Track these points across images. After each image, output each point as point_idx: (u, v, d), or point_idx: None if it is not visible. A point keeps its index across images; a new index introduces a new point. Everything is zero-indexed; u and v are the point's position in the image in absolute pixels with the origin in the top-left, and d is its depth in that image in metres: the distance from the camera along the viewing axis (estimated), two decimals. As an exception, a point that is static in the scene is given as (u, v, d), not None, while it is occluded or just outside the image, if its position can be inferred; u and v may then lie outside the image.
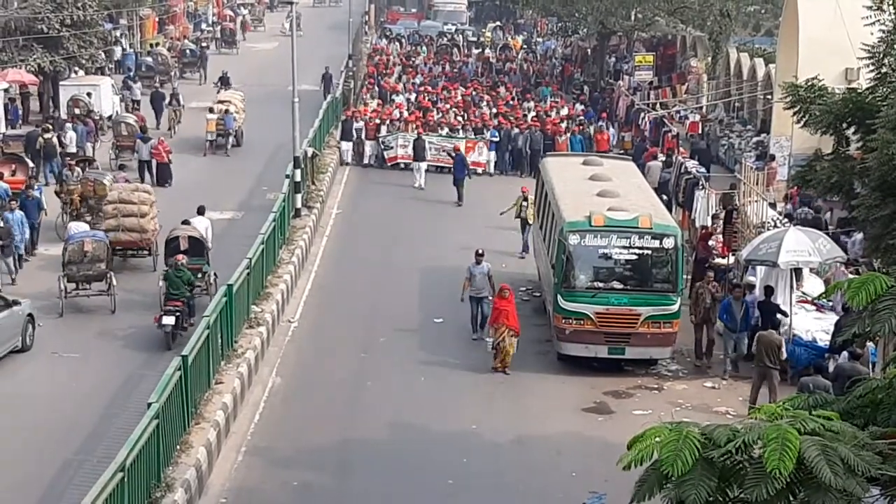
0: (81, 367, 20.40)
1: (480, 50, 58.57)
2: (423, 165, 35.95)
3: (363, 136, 38.75)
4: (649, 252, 20.89)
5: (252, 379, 19.71)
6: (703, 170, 31.53)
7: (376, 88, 46.24)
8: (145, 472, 14.12)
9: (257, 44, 65.27)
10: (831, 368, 18.30)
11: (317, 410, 19.13)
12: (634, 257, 20.92)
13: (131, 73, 47.54)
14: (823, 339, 19.91)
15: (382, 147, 38.33)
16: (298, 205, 29.71)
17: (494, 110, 42.14)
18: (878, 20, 18.41)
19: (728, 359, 20.95)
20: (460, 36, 64.18)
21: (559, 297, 20.85)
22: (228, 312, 19.54)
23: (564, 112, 42.64)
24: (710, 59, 48.30)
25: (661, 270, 21.03)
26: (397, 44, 61.00)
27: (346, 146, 38.63)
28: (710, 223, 26.29)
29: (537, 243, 25.43)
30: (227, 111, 38.42)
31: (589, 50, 57.55)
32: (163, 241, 24.55)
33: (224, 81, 45.66)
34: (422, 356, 21.74)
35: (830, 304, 20.80)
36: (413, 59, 56.01)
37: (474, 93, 45.80)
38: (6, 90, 37.97)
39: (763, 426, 7.67)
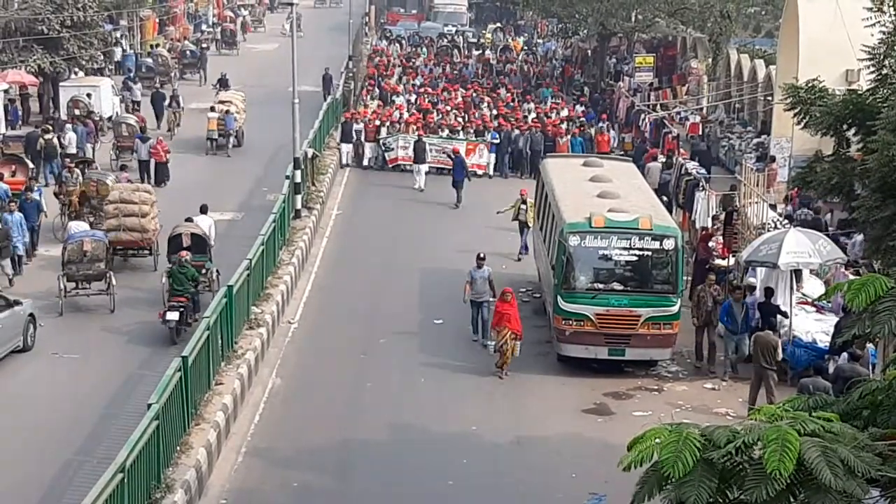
0: (82, 367, 20.42)
1: (481, 51, 58.57)
2: (424, 168, 35.93)
3: (363, 138, 38.76)
4: (649, 253, 20.89)
5: (252, 380, 19.71)
6: (703, 171, 31.52)
7: (377, 90, 46.24)
8: (145, 472, 14.12)
9: (257, 45, 65.31)
10: (831, 370, 18.29)
11: (317, 411, 19.13)
12: (634, 258, 20.92)
13: (131, 74, 47.58)
14: (823, 341, 19.90)
15: (383, 149, 38.32)
16: (298, 206, 29.72)
17: (495, 112, 42.15)
18: (879, 21, 18.42)
19: (728, 360, 20.95)
20: (461, 37, 64.17)
21: (559, 298, 20.85)
22: (228, 313, 19.54)
23: (565, 113, 42.64)
24: (710, 60, 48.32)
25: (662, 272, 21.03)
26: (397, 45, 61.01)
27: (346, 148, 38.63)
28: (710, 224, 26.28)
29: (537, 244, 25.43)
30: (227, 111, 38.49)
31: (589, 51, 57.56)
32: (164, 240, 24.67)
33: (223, 84, 45.66)
34: (422, 357, 21.74)
35: (830, 305, 20.80)
36: (413, 60, 56.01)
37: (474, 94, 45.80)
38: (6, 91, 37.96)
39: (763, 427, 7.67)
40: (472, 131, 39.06)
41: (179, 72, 51.69)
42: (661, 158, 33.88)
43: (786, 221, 24.90)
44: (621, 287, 20.87)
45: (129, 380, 19.63)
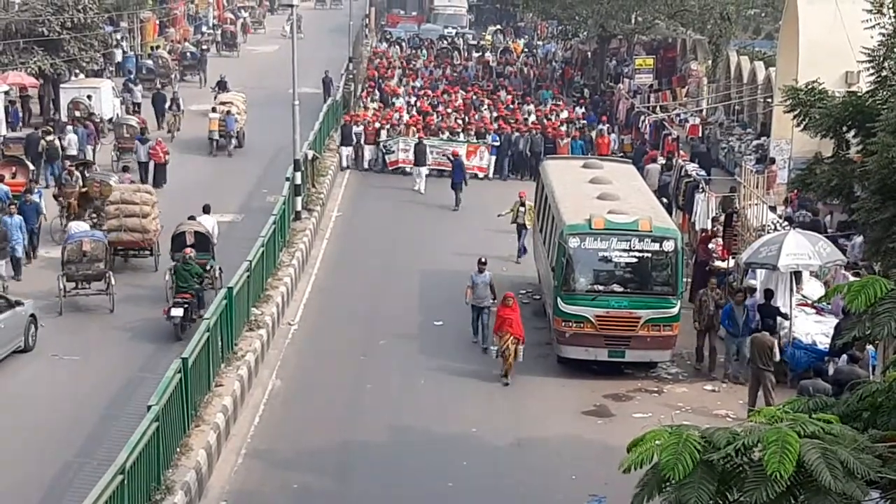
0: (82, 367, 20.44)
1: (481, 53, 58.57)
2: (424, 170, 35.88)
3: (362, 141, 38.75)
4: (649, 255, 20.90)
5: (252, 381, 19.71)
6: (703, 173, 31.51)
7: (377, 92, 46.24)
8: (145, 474, 14.12)
9: (258, 46, 65.34)
10: (831, 372, 18.29)
11: (317, 413, 19.13)
12: (634, 260, 20.92)
13: (132, 76, 47.60)
14: (823, 343, 19.90)
15: (383, 151, 38.32)
16: (298, 207, 29.73)
17: (495, 114, 42.15)
18: (878, 24, 18.41)
19: (728, 362, 20.94)
20: (461, 39, 64.19)
21: (559, 300, 20.85)
22: (228, 315, 19.55)
23: (564, 115, 42.65)
24: (710, 62, 48.34)
25: (661, 273, 21.03)
26: (397, 47, 61.02)
27: (346, 151, 38.61)
28: (710, 226, 26.29)
29: (537, 246, 25.43)
30: (228, 112, 38.55)
31: (589, 53, 57.57)
32: (165, 240, 24.84)
33: (221, 86, 45.54)
34: (421, 359, 21.74)
35: (830, 307, 20.79)
36: (413, 62, 56.02)
37: (474, 97, 45.81)
38: (7, 93, 37.97)
39: (763, 429, 7.68)
40: (472, 133, 39.06)
41: (180, 73, 51.70)
42: (661, 160, 33.90)
43: (785, 223, 24.90)
44: (621, 289, 20.88)
45: (129, 381, 19.63)
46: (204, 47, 57.84)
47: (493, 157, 38.16)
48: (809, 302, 21.36)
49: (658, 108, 43.68)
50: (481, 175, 37.67)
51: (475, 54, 58.70)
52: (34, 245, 26.02)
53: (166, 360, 18.48)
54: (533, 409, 19.69)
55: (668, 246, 20.83)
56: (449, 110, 42.52)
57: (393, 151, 38.04)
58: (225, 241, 25.57)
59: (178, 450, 15.76)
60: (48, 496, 15.67)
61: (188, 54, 54.16)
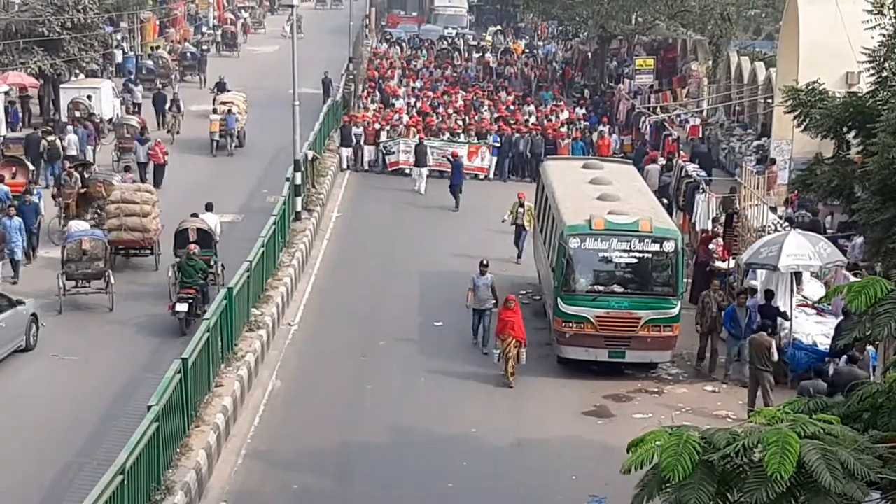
0: (82, 367, 20.44)
1: (481, 54, 58.60)
2: (425, 171, 35.84)
3: (362, 142, 38.74)
4: (650, 256, 20.88)
5: (252, 382, 19.71)
6: (703, 173, 31.53)
7: (378, 93, 46.24)
8: (145, 474, 14.11)
9: (258, 47, 65.36)
10: (831, 372, 18.28)
11: (317, 413, 19.13)
12: (635, 261, 20.91)
13: (132, 76, 47.60)
14: (824, 343, 19.90)
15: (384, 152, 38.32)
16: (299, 208, 29.72)
17: (496, 115, 42.15)
18: (879, 24, 18.44)
19: (729, 364, 20.92)
20: (461, 40, 64.20)
21: (559, 300, 20.85)
22: (228, 315, 19.54)
23: (565, 116, 42.65)
24: (710, 62, 48.37)
25: (662, 274, 21.01)
26: (398, 48, 61.03)
27: (346, 152, 38.60)
28: (710, 227, 26.28)
29: (538, 247, 25.42)
30: (229, 111, 38.57)
31: (589, 53, 57.61)
32: (165, 239, 24.98)
33: (220, 87, 45.43)
34: (422, 359, 21.73)
35: (831, 308, 20.79)
36: (413, 63, 56.03)
37: (475, 97, 45.80)
38: (7, 93, 37.98)
39: (763, 430, 7.67)
40: (472, 134, 39.05)
41: (180, 74, 51.70)
42: (661, 160, 33.91)
43: (786, 224, 24.89)
44: (621, 289, 20.87)
45: (129, 381, 19.62)
46: (204, 48, 57.86)
47: (495, 158, 38.17)
48: (810, 303, 21.36)
49: (658, 109, 43.70)
50: (482, 176, 37.67)
51: (475, 55, 58.73)
52: (34, 245, 25.99)
53: (167, 358, 18.51)
54: (533, 409, 19.68)
55: (669, 246, 20.82)
56: (449, 111, 42.52)
57: (393, 152, 38.03)
58: (225, 241, 25.58)
59: (178, 450, 15.75)
60: (48, 496, 15.66)
61: (188, 55, 54.17)
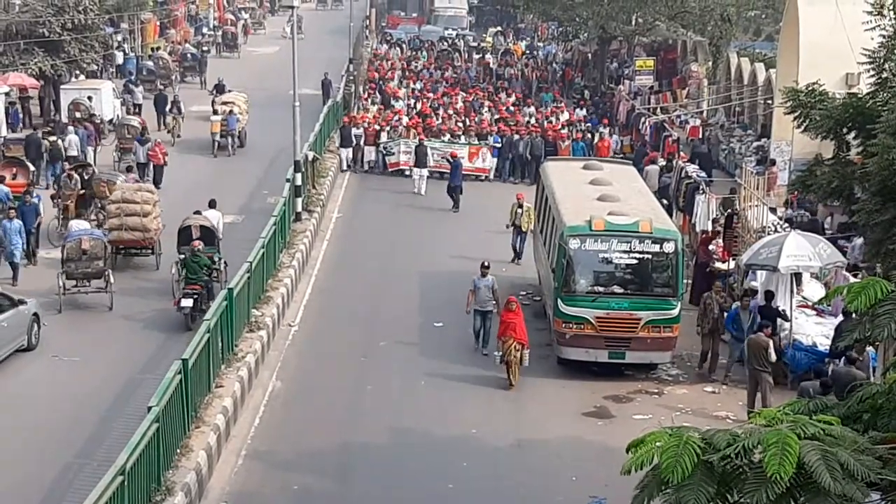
0: (82, 367, 20.43)
1: (481, 55, 58.60)
2: (425, 172, 35.83)
3: (362, 143, 38.74)
4: (650, 256, 20.88)
5: (252, 383, 19.71)
6: (703, 174, 31.54)
7: (378, 94, 46.23)
8: (145, 475, 14.11)
9: (258, 48, 65.37)
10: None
11: (317, 414, 19.13)
12: (635, 262, 20.92)
13: (132, 77, 47.60)
14: (824, 344, 19.90)
15: (384, 153, 38.32)
16: (299, 209, 29.73)
17: (496, 116, 42.14)
18: (879, 25, 18.44)
19: (731, 365, 20.90)
20: (461, 41, 64.17)
21: (559, 301, 20.85)
22: (229, 316, 19.55)
23: (565, 117, 42.65)
24: (710, 63, 48.38)
25: (662, 275, 21.01)
26: (398, 49, 61.02)
27: (345, 153, 38.61)
28: (710, 228, 26.29)
29: (538, 248, 25.42)
30: (231, 112, 38.59)
31: (590, 54, 57.61)
32: (166, 239, 25.10)
33: (219, 89, 45.32)
34: (422, 360, 21.73)
35: (831, 308, 20.79)
36: (414, 64, 56.02)
37: (475, 99, 45.80)
38: (7, 94, 37.99)
39: (763, 431, 7.68)
40: (472, 135, 39.05)
41: (180, 75, 51.70)
42: (661, 161, 33.92)
43: (786, 225, 24.90)
44: (621, 290, 20.87)
45: (129, 381, 19.62)
46: (204, 48, 57.85)
47: (495, 159, 38.16)
48: (810, 304, 21.35)
49: (658, 110, 43.71)
50: (483, 177, 37.66)
51: (476, 56, 58.73)
52: (31, 246, 25.85)
53: (170, 356, 18.57)
54: (533, 410, 19.69)
55: (669, 247, 20.82)
56: (449, 112, 42.52)
57: (393, 153, 38.04)
58: (226, 241, 25.59)
59: (178, 451, 15.76)
60: (48, 497, 15.65)
61: (189, 56, 54.16)
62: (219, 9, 74.69)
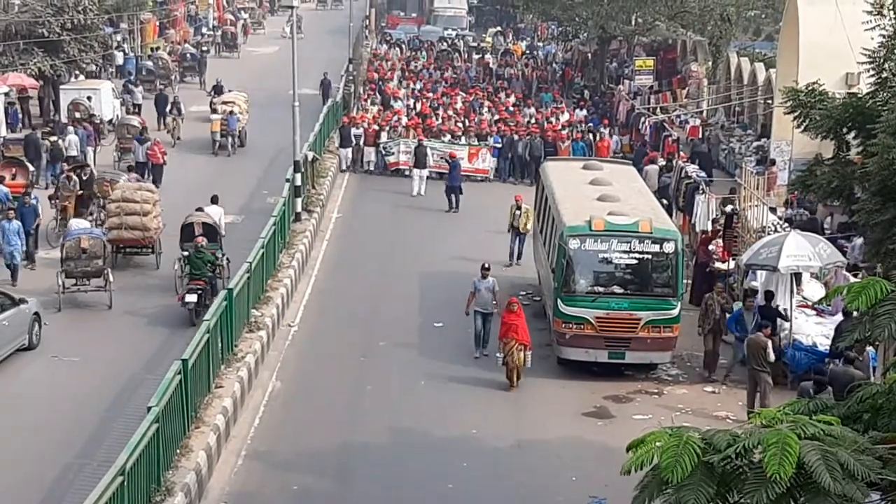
0: (82, 367, 20.43)
1: (481, 55, 58.59)
2: (424, 173, 35.79)
3: (362, 143, 38.73)
4: (649, 256, 20.87)
5: (252, 383, 19.71)
6: (703, 174, 31.54)
7: (377, 95, 46.22)
8: (145, 475, 14.12)
9: (258, 48, 65.35)
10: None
11: (317, 414, 19.13)
12: (635, 262, 20.91)
13: (132, 78, 47.58)
14: (823, 344, 19.89)
15: (384, 153, 38.31)
16: (299, 209, 29.72)
17: (496, 116, 42.12)
18: (879, 25, 18.44)
19: (733, 366, 20.87)
20: (461, 41, 64.14)
21: (559, 301, 20.85)
22: (228, 316, 19.55)
23: (565, 118, 42.63)
24: (710, 63, 48.37)
25: (662, 275, 21.01)
26: (398, 49, 61.00)
27: (345, 153, 38.59)
28: (710, 228, 26.28)
29: (538, 248, 25.42)
30: (231, 112, 38.59)
31: (589, 54, 57.60)
32: (167, 238, 25.24)
33: (217, 90, 45.21)
34: (422, 360, 21.73)
35: (831, 308, 20.78)
36: (413, 64, 56.01)
37: (474, 99, 45.78)
38: (6, 94, 37.99)
39: (763, 431, 7.67)
40: (472, 136, 39.03)
41: (180, 75, 51.69)
42: (661, 161, 33.91)
43: (786, 224, 24.90)
44: (621, 290, 20.87)
45: (129, 381, 19.63)
46: (204, 48, 57.83)
47: (495, 160, 38.15)
48: (810, 303, 21.35)
49: (658, 110, 43.69)
50: (482, 177, 37.64)
51: (475, 56, 58.71)
52: (30, 247, 25.82)
53: (171, 354, 18.61)
54: (533, 410, 19.68)
55: (669, 247, 20.81)
56: (449, 112, 42.50)
57: (392, 153, 38.03)
58: (226, 241, 25.59)
59: (177, 451, 15.75)
60: (48, 497, 15.66)
61: (188, 56, 54.14)
62: (218, 9, 74.66)
